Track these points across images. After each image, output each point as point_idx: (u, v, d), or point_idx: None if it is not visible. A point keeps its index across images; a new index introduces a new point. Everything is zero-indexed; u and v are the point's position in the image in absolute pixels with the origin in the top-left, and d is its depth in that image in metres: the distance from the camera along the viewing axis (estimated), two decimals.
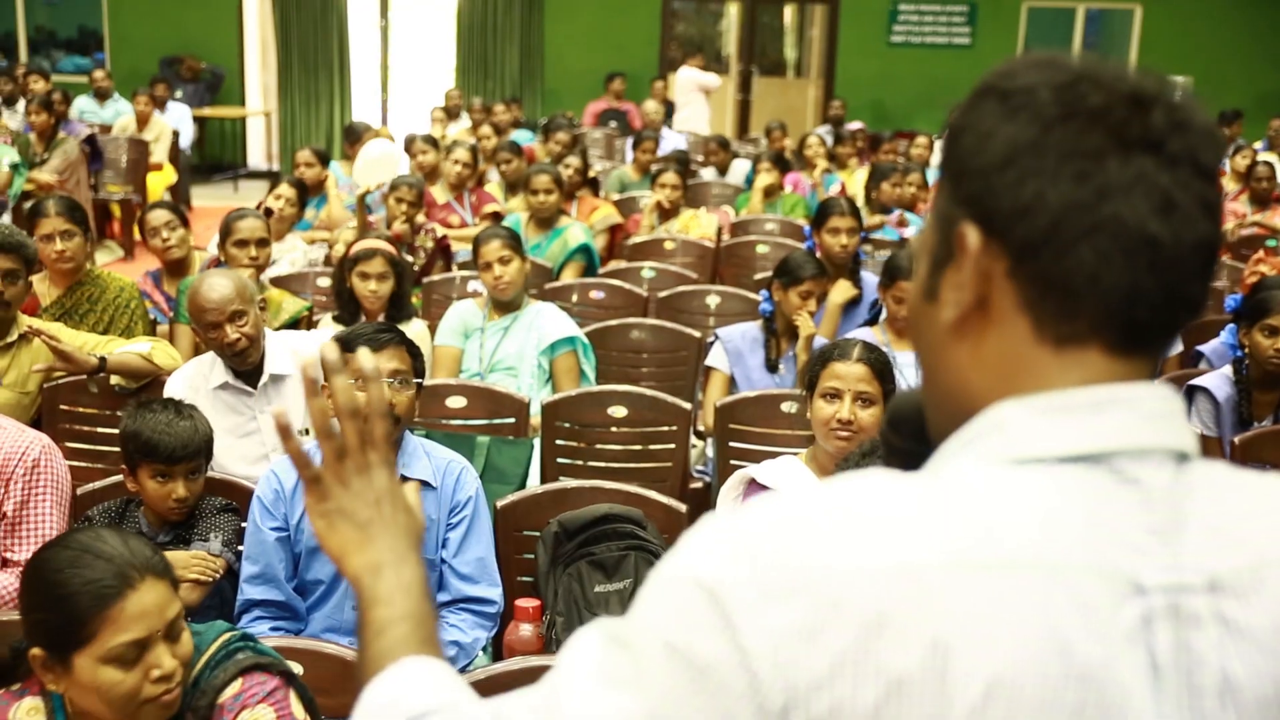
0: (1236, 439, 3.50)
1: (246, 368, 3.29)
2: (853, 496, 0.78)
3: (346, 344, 2.69)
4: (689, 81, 11.77)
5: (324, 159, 6.84)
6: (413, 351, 2.75)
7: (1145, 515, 0.76)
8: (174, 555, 2.62)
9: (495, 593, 2.74)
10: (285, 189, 5.83)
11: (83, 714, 1.78)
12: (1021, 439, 0.78)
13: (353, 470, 0.99)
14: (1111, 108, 0.78)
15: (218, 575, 2.66)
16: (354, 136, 7.60)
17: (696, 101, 11.80)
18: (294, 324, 4.11)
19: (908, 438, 1.26)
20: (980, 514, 0.75)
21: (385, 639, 0.94)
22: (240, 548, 2.74)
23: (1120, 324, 0.79)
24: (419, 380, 2.75)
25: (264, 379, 3.30)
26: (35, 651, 1.74)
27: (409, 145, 7.76)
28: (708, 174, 8.75)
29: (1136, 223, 0.76)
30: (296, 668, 2.11)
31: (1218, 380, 3.72)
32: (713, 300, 5.02)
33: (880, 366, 2.76)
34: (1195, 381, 3.77)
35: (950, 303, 0.83)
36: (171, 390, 3.28)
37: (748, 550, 0.75)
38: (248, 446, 3.29)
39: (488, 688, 2.12)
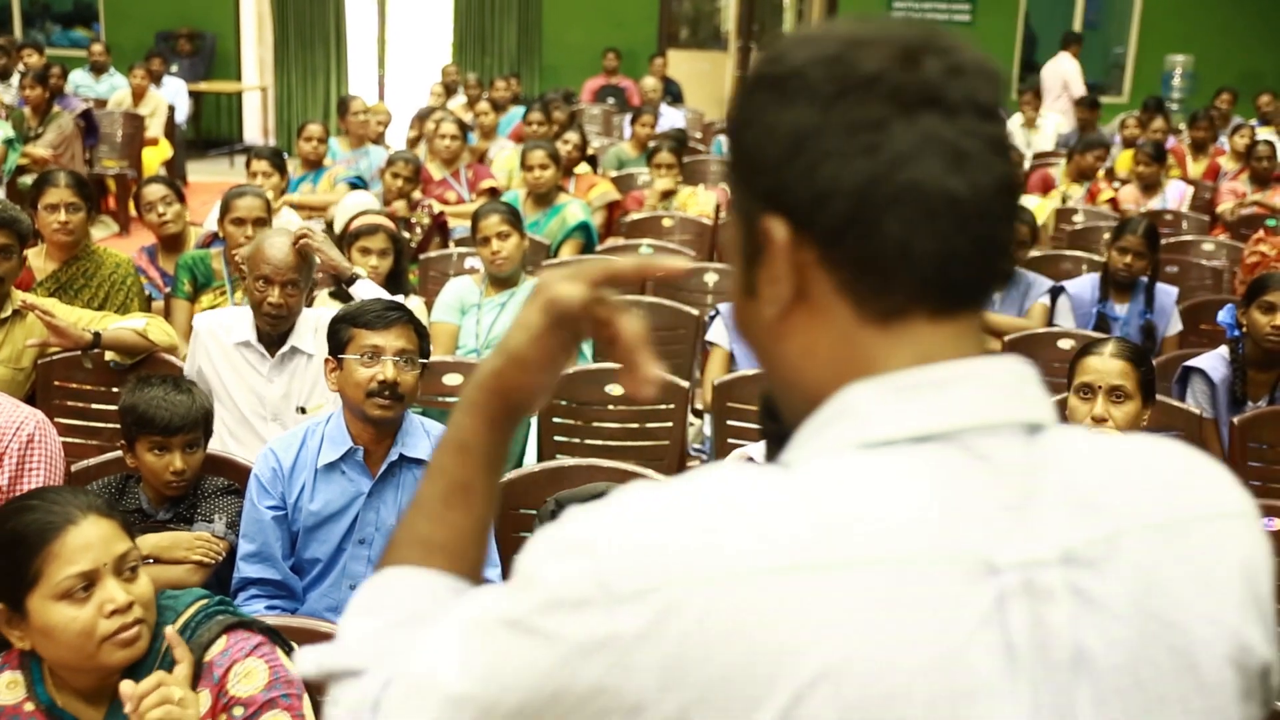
0: (1236, 420, 3.49)
1: (273, 331, 3.35)
2: (700, 494, 0.75)
3: (355, 320, 2.68)
4: (1056, 76, 11.03)
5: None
6: (419, 331, 2.73)
7: (997, 492, 0.74)
8: (177, 536, 2.62)
9: (495, 573, 2.73)
10: (259, 164, 5.65)
11: (60, 681, 1.77)
12: (871, 422, 0.76)
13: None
14: (884, 71, 0.76)
15: (220, 557, 2.66)
16: (344, 110, 7.54)
17: (1063, 103, 10.55)
18: None
19: (780, 422, 1.25)
20: (828, 508, 0.73)
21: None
22: None
23: (938, 288, 0.77)
24: (424, 360, 2.74)
25: (285, 348, 3.35)
26: None
27: (422, 118, 7.71)
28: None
29: (934, 183, 0.75)
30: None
31: (1213, 361, 3.72)
32: (710, 278, 5.00)
33: None
34: (1191, 362, 3.78)
35: (769, 299, 0.81)
36: (197, 326, 3.41)
37: (591, 548, 0.73)
38: (250, 406, 3.33)
39: None
